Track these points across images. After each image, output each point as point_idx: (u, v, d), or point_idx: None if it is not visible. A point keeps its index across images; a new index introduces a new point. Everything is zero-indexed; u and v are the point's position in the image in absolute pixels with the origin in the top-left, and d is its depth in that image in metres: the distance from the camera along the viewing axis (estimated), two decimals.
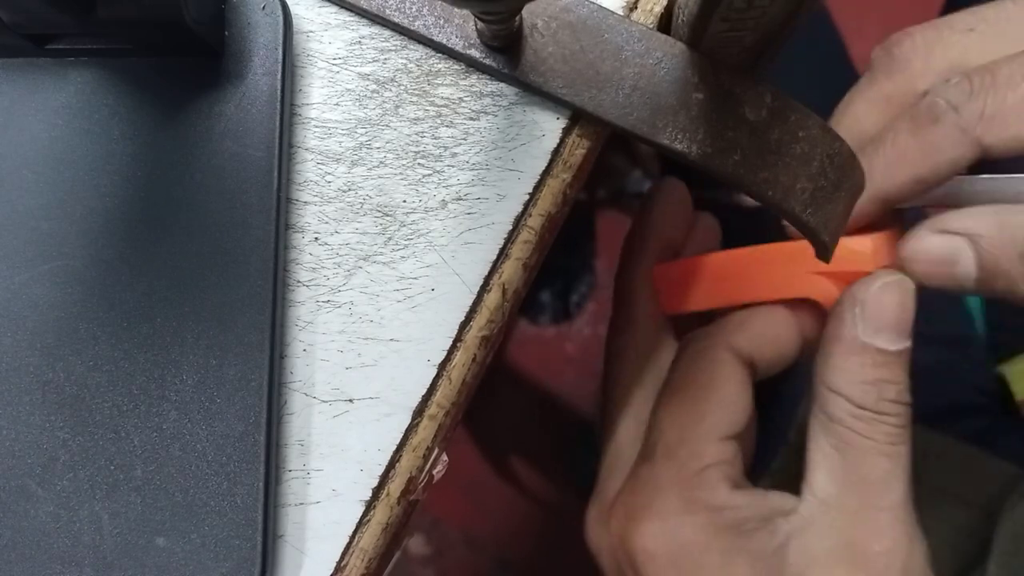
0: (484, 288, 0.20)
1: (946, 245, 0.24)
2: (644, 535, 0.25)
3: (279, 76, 0.20)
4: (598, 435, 0.31)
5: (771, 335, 0.27)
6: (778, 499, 0.25)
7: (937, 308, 0.50)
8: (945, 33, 0.25)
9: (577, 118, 0.21)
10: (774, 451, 0.44)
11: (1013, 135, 0.23)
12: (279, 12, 0.20)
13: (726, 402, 0.26)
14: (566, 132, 0.21)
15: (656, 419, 0.27)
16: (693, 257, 0.30)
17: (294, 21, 0.20)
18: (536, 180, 0.20)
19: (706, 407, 0.26)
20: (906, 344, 0.24)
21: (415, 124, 0.21)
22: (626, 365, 0.30)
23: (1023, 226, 0.23)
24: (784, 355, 0.27)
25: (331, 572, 0.20)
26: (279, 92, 0.19)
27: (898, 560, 0.23)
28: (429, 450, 0.20)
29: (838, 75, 0.52)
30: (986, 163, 0.24)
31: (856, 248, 0.25)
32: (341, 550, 0.20)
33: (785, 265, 0.27)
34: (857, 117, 0.26)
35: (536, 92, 0.20)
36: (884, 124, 0.25)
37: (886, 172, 0.24)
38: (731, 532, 0.24)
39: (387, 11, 0.20)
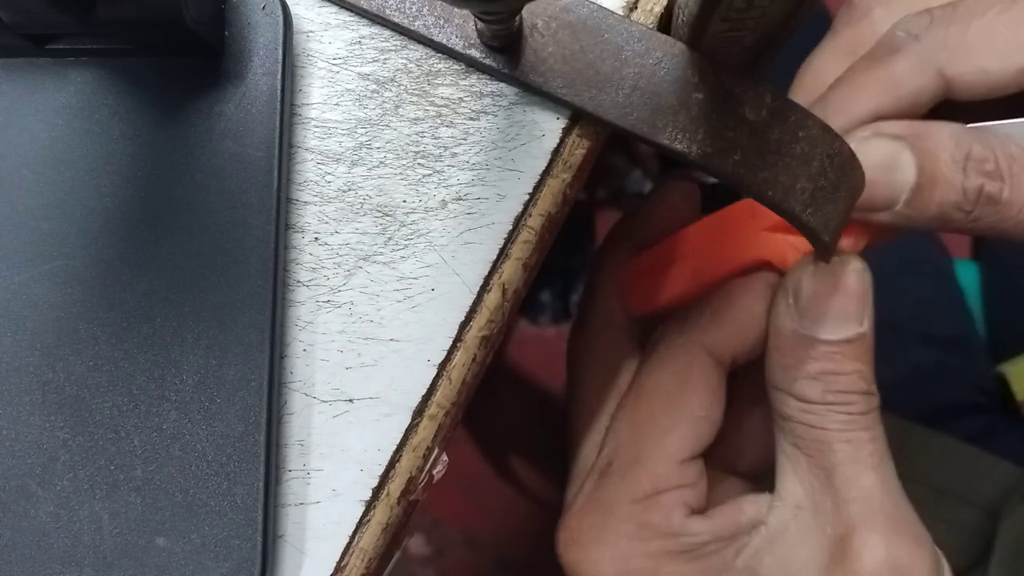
0: (484, 288, 0.20)
1: (885, 148, 0.21)
2: (593, 561, 0.23)
3: (279, 76, 0.20)
4: (565, 444, 0.29)
5: (750, 320, 0.24)
6: (751, 509, 0.23)
7: (938, 308, 0.50)
8: None
9: (577, 118, 0.21)
10: None
11: (978, 66, 0.21)
12: (279, 12, 0.20)
13: (693, 417, 0.23)
14: (566, 132, 0.21)
15: (615, 429, 0.25)
16: (649, 249, 0.28)
17: (294, 21, 0.20)
18: (536, 180, 0.20)
19: (669, 422, 0.23)
20: (853, 331, 0.22)
21: (415, 124, 0.21)
22: (586, 370, 0.28)
23: (968, 137, 0.21)
24: (759, 342, 0.24)
25: (331, 572, 0.20)
26: (279, 92, 0.19)
27: (880, 551, 0.21)
28: (429, 450, 0.20)
29: None
30: (952, 109, 0.22)
31: None
32: (341, 550, 0.20)
33: (738, 230, 0.24)
34: (818, 70, 0.25)
35: (536, 92, 0.20)
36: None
37: (844, 109, 0.22)
38: (686, 557, 0.23)
39: (387, 11, 0.20)
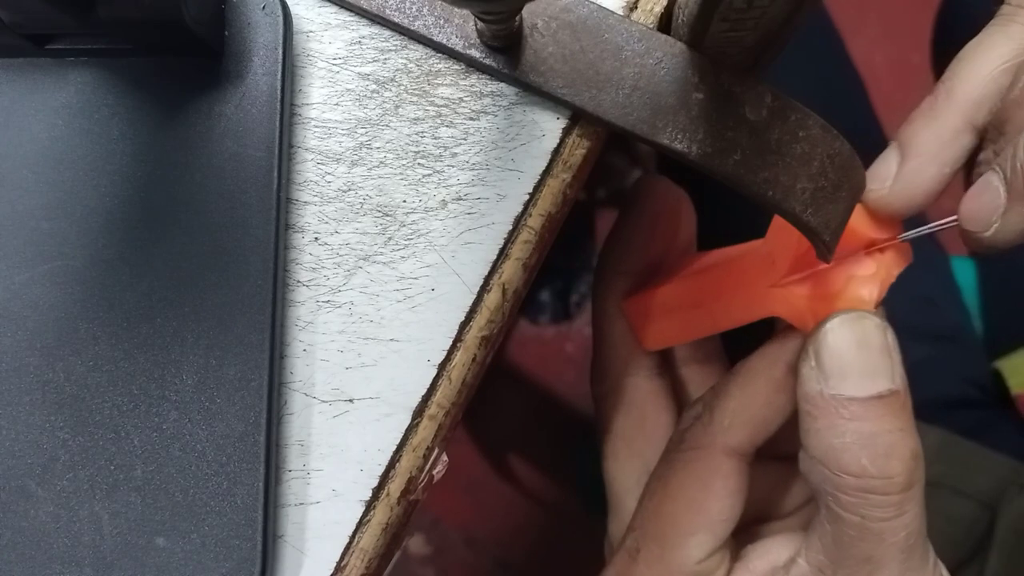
0: (484, 288, 0.20)
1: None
2: None
3: (279, 76, 0.20)
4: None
5: (772, 413, 0.24)
6: (761, 566, 0.24)
7: (935, 305, 0.51)
8: None
9: (577, 118, 0.21)
10: None
11: None
12: (279, 12, 0.20)
13: (713, 522, 0.24)
14: (566, 132, 0.21)
15: (643, 518, 0.25)
16: (657, 287, 0.27)
17: (294, 21, 0.20)
18: (536, 180, 0.20)
19: (690, 528, 0.24)
20: (885, 387, 0.20)
21: (415, 124, 0.21)
22: (610, 415, 0.29)
23: None
24: (777, 422, 0.24)
25: (331, 572, 0.20)
26: (279, 92, 0.19)
27: None
28: (429, 450, 0.20)
29: (838, 75, 0.51)
30: None
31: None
32: (341, 550, 0.20)
33: (755, 281, 0.24)
34: (998, 57, 0.22)
35: (536, 92, 0.20)
36: None
37: None
38: None
39: (387, 11, 0.20)
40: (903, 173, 0.22)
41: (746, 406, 0.24)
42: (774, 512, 0.28)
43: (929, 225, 0.23)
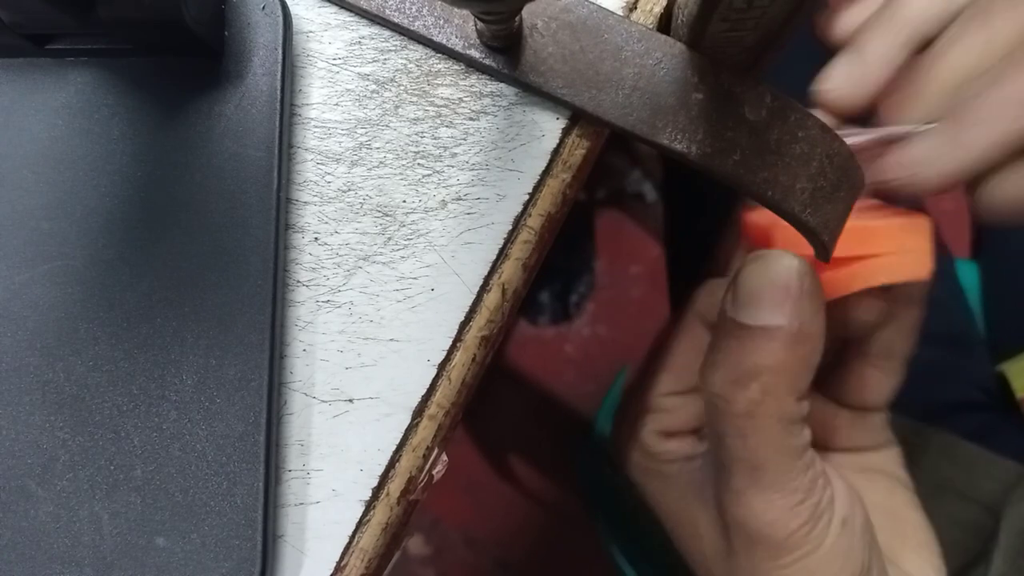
0: (484, 288, 0.20)
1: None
2: (619, 450, 0.31)
3: (279, 76, 0.20)
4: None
5: None
6: (701, 447, 0.28)
7: (939, 307, 0.51)
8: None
9: (577, 118, 0.21)
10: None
11: None
12: (279, 12, 0.20)
13: (676, 363, 0.29)
14: (566, 132, 0.21)
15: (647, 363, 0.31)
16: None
17: (294, 21, 0.20)
18: (536, 180, 0.20)
19: (659, 366, 0.29)
20: (770, 321, 0.21)
21: (415, 124, 0.21)
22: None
23: None
24: None
25: (331, 572, 0.20)
26: (279, 92, 0.19)
27: (749, 522, 0.23)
28: (429, 450, 0.20)
29: None
30: None
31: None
32: (341, 550, 0.20)
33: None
34: (971, 52, 0.23)
35: (536, 92, 0.20)
36: None
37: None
38: (650, 458, 0.28)
39: (387, 11, 0.20)
40: (857, 76, 0.25)
41: (721, 285, 0.28)
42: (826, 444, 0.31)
43: (880, 129, 0.24)
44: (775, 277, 0.22)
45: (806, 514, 0.23)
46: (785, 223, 0.25)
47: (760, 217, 0.27)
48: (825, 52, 0.28)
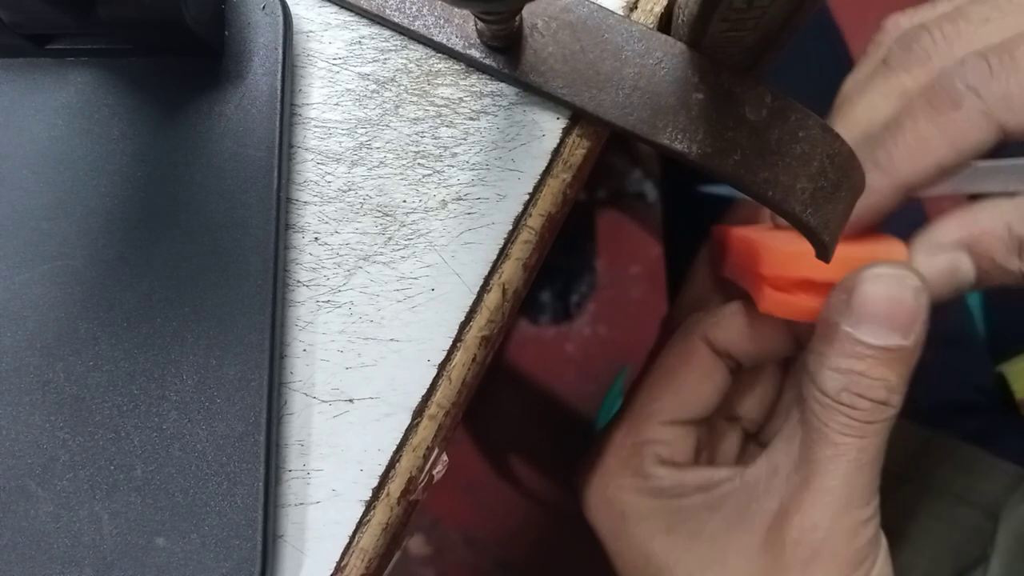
0: (484, 288, 0.20)
1: (945, 261, 0.24)
2: (585, 484, 0.29)
3: (279, 76, 0.20)
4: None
5: (751, 332, 0.27)
6: (725, 473, 0.27)
7: (939, 309, 0.50)
8: (962, 26, 0.24)
9: (577, 118, 0.21)
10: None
11: None
12: (279, 12, 0.20)
13: (681, 390, 0.28)
14: (566, 132, 0.21)
15: (631, 390, 0.29)
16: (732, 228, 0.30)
17: (294, 21, 0.20)
18: (536, 180, 0.20)
19: (660, 392, 0.28)
20: (896, 341, 0.23)
21: (415, 124, 0.21)
22: (661, 336, 0.32)
23: (1009, 217, 0.23)
24: (769, 350, 0.28)
25: (331, 572, 0.20)
26: (279, 92, 0.19)
27: (816, 540, 0.24)
28: (429, 450, 0.20)
29: (838, 74, 0.51)
30: (1002, 146, 0.24)
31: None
32: (341, 550, 0.20)
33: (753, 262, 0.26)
34: (873, 108, 0.26)
35: (536, 92, 0.20)
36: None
37: (908, 161, 0.23)
38: (649, 492, 0.27)
39: (387, 11, 0.20)
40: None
41: (737, 313, 0.28)
42: None
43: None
44: (904, 298, 0.23)
45: (871, 532, 0.24)
46: (771, 241, 0.26)
47: (747, 233, 0.28)
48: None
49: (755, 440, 0.31)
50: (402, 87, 0.21)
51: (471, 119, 0.21)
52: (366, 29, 0.21)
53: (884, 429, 0.24)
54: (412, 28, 0.20)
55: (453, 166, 0.21)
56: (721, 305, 0.30)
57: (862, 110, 0.26)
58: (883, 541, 0.25)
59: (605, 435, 0.29)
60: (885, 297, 0.23)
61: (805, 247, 0.25)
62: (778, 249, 0.25)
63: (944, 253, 0.24)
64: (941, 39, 0.25)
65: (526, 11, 0.19)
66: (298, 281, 0.20)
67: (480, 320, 0.20)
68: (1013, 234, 0.23)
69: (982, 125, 0.22)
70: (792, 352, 0.28)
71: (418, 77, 0.21)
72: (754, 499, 0.25)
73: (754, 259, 0.26)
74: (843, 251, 0.23)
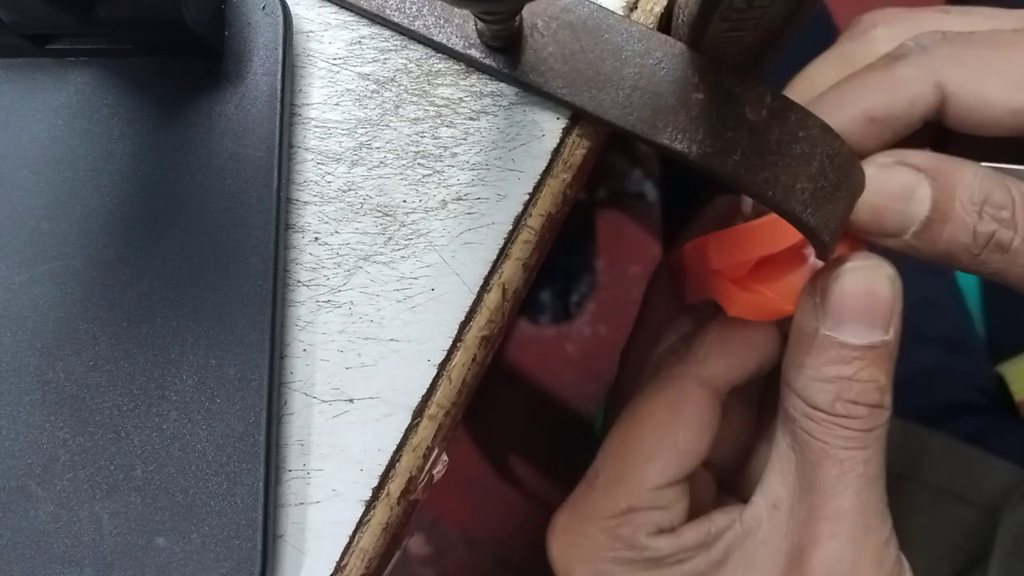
0: (484, 288, 0.20)
1: (904, 177, 0.21)
2: (569, 558, 0.25)
3: (279, 76, 0.20)
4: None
5: (748, 350, 0.25)
6: (721, 520, 0.24)
7: (938, 309, 0.50)
8: (915, 13, 0.23)
9: (577, 118, 0.21)
10: None
11: (979, 92, 0.20)
12: (279, 12, 0.20)
13: (677, 449, 0.24)
14: (566, 132, 0.21)
15: (608, 443, 0.26)
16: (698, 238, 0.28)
17: (294, 21, 0.20)
18: (536, 180, 0.20)
19: (653, 451, 0.24)
20: (879, 337, 0.21)
21: (415, 124, 0.21)
22: (624, 369, 0.29)
23: (991, 181, 0.20)
24: (765, 364, 0.25)
25: (331, 572, 0.20)
26: (279, 92, 0.19)
27: (840, 573, 0.22)
28: (429, 450, 0.20)
29: None
30: (939, 138, 0.22)
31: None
32: (341, 550, 0.20)
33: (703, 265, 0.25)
34: (812, 77, 0.24)
35: (536, 92, 0.20)
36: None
37: (835, 104, 0.21)
38: (646, 565, 0.24)
39: (387, 11, 0.20)
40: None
41: (724, 338, 0.25)
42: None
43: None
44: (881, 290, 0.21)
45: (894, 554, 0.22)
46: (717, 234, 0.25)
47: (696, 241, 0.26)
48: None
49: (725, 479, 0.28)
50: (402, 87, 0.21)
51: (471, 119, 0.21)
52: (366, 29, 0.21)
53: (883, 435, 0.22)
54: (412, 28, 0.20)
55: (453, 166, 0.21)
56: (686, 327, 0.27)
57: (804, 79, 0.25)
58: (905, 562, 0.23)
59: (584, 497, 0.25)
60: (863, 292, 0.21)
61: (747, 225, 0.24)
62: (722, 235, 0.24)
63: (904, 171, 0.21)
64: (890, 14, 0.24)
65: (526, 11, 0.19)
66: (298, 281, 0.20)
67: (480, 320, 0.20)
68: (982, 188, 0.20)
69: (920, 78, 0.21)
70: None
71: (418, 77, 0.21)
72: (761, 543, 0.23)
73: (705, 258, 0.24)
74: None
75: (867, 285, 0.21)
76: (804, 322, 0.22)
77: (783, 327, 0.25)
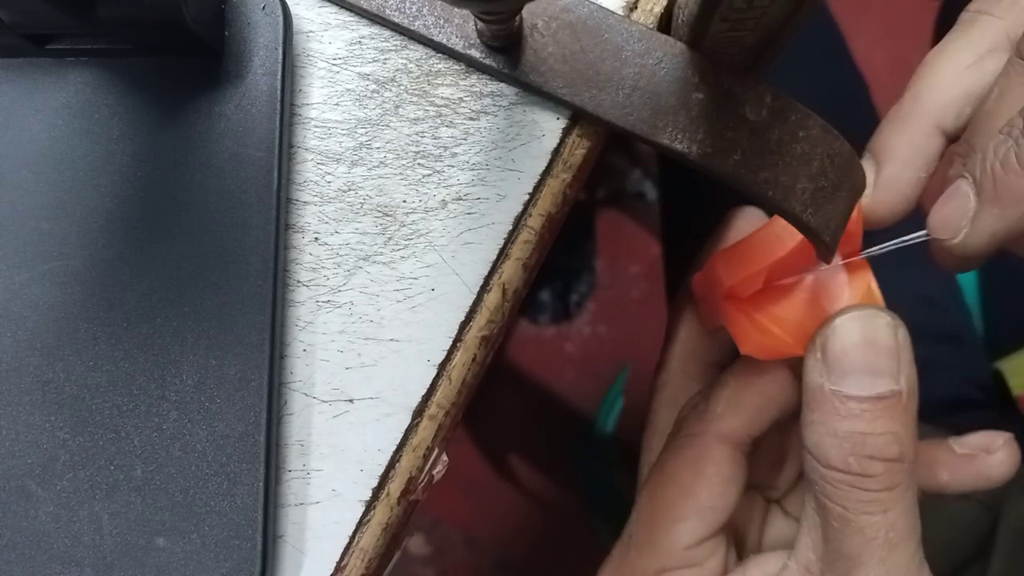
0: (484, 288, 0.20)
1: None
2: None
3: (279, 76, 0.20)
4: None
5: (765, 403, 0.24)
6: (755, 573, 0.24)
7: (937, 305, 0.51)
8: None
9: (577, 118, 0.21)
10: None
11: None
12: (279, 12, 0.20)
13: (703, 508, 0.24)
14: (566, 132, 0.21)
15: (638, 504, 0.26)
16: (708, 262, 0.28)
17: (294, 21, 0.20)
18: (536, 180, 0.20)
19: (680, 513, 0.24)
20: (887, 387, 0.20)
21: (415, 124, 0.21)
22: (654, 408, 0.29)
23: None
24: (783, 414, 0.25)
25: (331, 572, 0.20)
26: (279, 92, 0.19)
27: None
28: (429, 450, 0.20)
29: (839, 75, 0.51)
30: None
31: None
32: (341, 550, 0.20)
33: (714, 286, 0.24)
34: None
35: (536, 92, 0.20)
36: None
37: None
38: None
39: (387, 11, 0.20)
40: (881, 181, 0.22)
41: (739, 394, 0.25)
42: None
43: (895, 241, 0.22)
44: (880, 338, 0.21)
45: None
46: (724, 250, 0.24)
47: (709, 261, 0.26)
48: (825, 52, 0.27)
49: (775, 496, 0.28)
50: (402, 87, 0.21)
51: (471, 119, 0.21)
52: (366, 29, 0.21)
53: (908, 492, 0.21)
54: (412, 28, 0.20)
55: (453, 166, 0.21)
56: (712, 355, 0.27)
57: (947, 66, 0.23)
58: None
59: (619, 559, 0.26)
60: (860, 343, 0.21)
61: (749, 236, 0.24)
62: (728, 251, 0.24)
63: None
64: None
65: (526, 11, 0.19)
66: (298, 281, 0.20)
67: (480, 320, 0.20)
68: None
69: None
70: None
71: (418, 77, 0.21)
72: None
73: (716, 278, 0.24)
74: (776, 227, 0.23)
75: (864, 336, 0.21)
76: (810, 378, 0.22)
77: (798, 371, 0.24)
